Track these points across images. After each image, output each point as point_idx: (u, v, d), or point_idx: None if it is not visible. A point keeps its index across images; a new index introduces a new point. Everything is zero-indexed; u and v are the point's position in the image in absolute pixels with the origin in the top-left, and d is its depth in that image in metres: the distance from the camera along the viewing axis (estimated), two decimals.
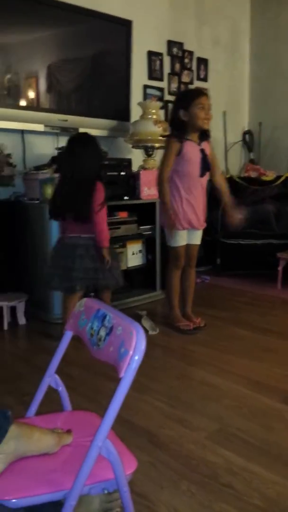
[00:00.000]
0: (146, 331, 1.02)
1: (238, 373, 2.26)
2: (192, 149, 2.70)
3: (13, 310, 2.99)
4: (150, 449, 1.64)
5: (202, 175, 2.75)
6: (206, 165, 2.74)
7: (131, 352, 0.90)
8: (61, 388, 1.26)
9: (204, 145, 2.75)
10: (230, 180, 4.25)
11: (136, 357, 0.90)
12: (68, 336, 1.21)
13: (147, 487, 1.44)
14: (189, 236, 2.86)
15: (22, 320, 3.00)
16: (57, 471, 1.01)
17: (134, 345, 0.91)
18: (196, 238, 2.90)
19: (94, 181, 2.57)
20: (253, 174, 4.49)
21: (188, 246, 2.87)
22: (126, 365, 0.90)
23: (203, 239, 2.97)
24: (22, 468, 1.00)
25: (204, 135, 2.76)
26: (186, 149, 2.68)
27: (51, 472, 1.01)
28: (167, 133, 3.64)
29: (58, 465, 1.03)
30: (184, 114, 2.66)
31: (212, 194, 3.01)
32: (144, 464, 1.54)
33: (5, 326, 2.92)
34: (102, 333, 1.02)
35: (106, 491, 1.02)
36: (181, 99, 2.78)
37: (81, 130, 3.55)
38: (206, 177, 2.80)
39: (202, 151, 2.73)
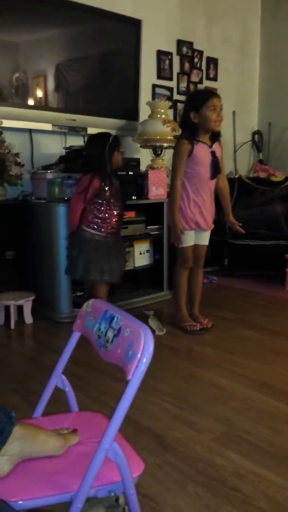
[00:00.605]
0: (152, 331, 1.00)
1: (245, 375, 2.25)
2: (203, 152, 2.67)
3: (20, 308, 2.99)
4: (156, 451, 1.63)
5: (212, 178, 2.73)
6: (216, 168, 2.72)
7: (139, 355, 0.90)
8: (68, 389, 1.25)
9: (215, 147, 2.73)
10: (239, 181, 4.24)
11: (144, 360, 0.90)
12: (75, 336, 1.20)
13: (153, 489, 1.43)
14: (197, 237, 2.85)
15: (29, 319, 3.00)
16: (63, 473, 1.00)
17: (142, 348, 0.90)
18: (204, 238, 2.88)
19: (87, 173, 2.69)
20: (262, 175, 4.47)
21: (195, 247, 2.86)
22: (134, 367, 0.90)
23: (210, 239, 2.95)
24: (28, 469, 1.00)
25: (215, 136, 2.73)
26: (196, 151, 2.65)
27: (58, 473, 1.00)
28: (176, 133, 3.64)
29: (65, 467, 1.02)
30: (195, 116, 2.62)
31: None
32: (150, 465, 1.53)
33: (12, 325, 2.92)
34: (110, 334, 1.02)
35: (112, 494, 1.01)
36: (192, 100, 2.73)
37: (90, 129, 3.57)
38: (215, 180, 2.79)
39: (213, 153, 2.71)
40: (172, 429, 1.78)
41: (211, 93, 2.70)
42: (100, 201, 2.69)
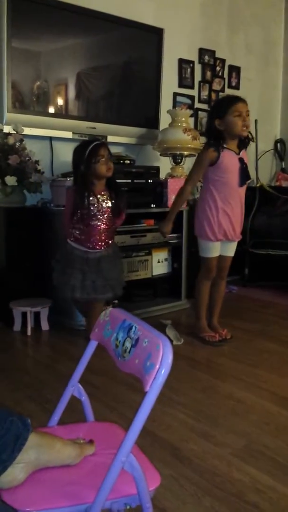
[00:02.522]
0: (170, 341, 0.98)
1: (265, 388, 2.20)
2: (230, 158, 2.63)
3: (37, 315, 2.99)
4: (173, 463, 1.60)
5: (241, 184, 2.68)
6: (245, 175, 2.67)
7: (157, 366, 0.87)
8: (84, 398, 1.23)
9: (243, 153, 2.69)
10: (261, 189, 4.20)
11: (163, 371, 0.87)
12: (92, 345, 1.18)
13: (169, 502, 1.40)
14: (223, 247, 2.80)
15: (45, 326, 3.00)
16: (78, 484, 0.98)
17: (161, 359, 0.88)
18: (230, 249, 2.83)
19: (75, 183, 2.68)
20: (284, 183, 4.43)
21: (221, 257, 2.81)
22: (152, 379, 0.87)
23: None
24: (42, 479, 0.98)
25: (243, 143, 2.68)
26: (223, 158, 2.61)
27: (73, 484, 0.98)
28: (197, 141, 3.63)
29: (80, 478, 1.00)
30: (220, 123, 2.58)
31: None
32: (166, 478, 1.50)
33: (29, 332, 2.92)
34: (128, 344, 1.00)
35: (128, 507, 0.99)
36: (216, 107, 2.71)
37: (110, 137, 3.58)
38: (245, 187, 2.73)
39: (241, 160, 2.66)
40: (189, 442, 1.74)
41: (235, 98, 2.63)
42: (81, 215, 2.60)
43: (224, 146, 2.63)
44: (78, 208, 2.60)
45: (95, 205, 2.62)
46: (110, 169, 2.61)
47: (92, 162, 2.55)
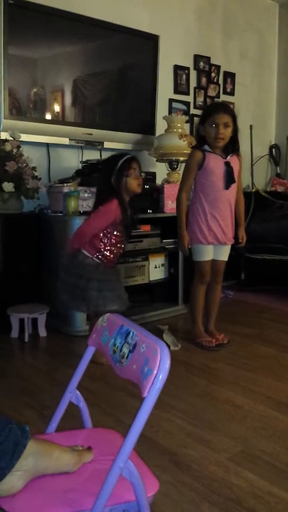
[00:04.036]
0: (167, 346, 0.99)
1: (262, 393, 2.20)
2: (215, 161, 2.66)
3: (34, 322, 2.99)
4: (171, 469, 1.60)
5: (226, 187, 2.69)
6: (230, 178, 2.69)
7: (155, 372, 0.88)
8: (82, 404, 1.24)
9: (232, 158, 2.71)
10: (256, 194, 4.22)
11: (160, 377, 0.88)
12: (90, 351, 1.19)
13: (167, 508, 1.40)
14: (216, 251, 2.81)
15: (43, 332, 3.00)
16: (77, 491, 0.98)
17: (159, 364, 0.88)
18: (223, 254, 2.83)
19: (107, 194, 2.43)
20: (279, 188, 4.45)
21: (214, 262, 2.82)
22: (150, 384, 0.88)
23: None
24: (41, 486, 0.98)
25: (230, 148, 2.71)
26: (209, 160, 2.65)
27: (71, 491, 0.98)
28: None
29: (78, 485, 1.00)
30: (201, 129, 2.68)
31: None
32: (164, 484, 1.50)
33: (26, 338, 2.91)
34: (125, 350, 1.00)
35: None
36: (202, 113, 2.79)
37: (106, 143, 3.60)
38: (233, 190, 2.74)
39: (227, 164, 2.68)
40: (187, 447, 1.74)
41: (214, 108, 2.70)
42: (114, 231, 2.46)
43: (205, 149, 2.67)
44: (125, 224, 2.45)
45: (125, 224, 2.48)
46: (140, 185, 2.47)
47: (123, 174, 2.40)
